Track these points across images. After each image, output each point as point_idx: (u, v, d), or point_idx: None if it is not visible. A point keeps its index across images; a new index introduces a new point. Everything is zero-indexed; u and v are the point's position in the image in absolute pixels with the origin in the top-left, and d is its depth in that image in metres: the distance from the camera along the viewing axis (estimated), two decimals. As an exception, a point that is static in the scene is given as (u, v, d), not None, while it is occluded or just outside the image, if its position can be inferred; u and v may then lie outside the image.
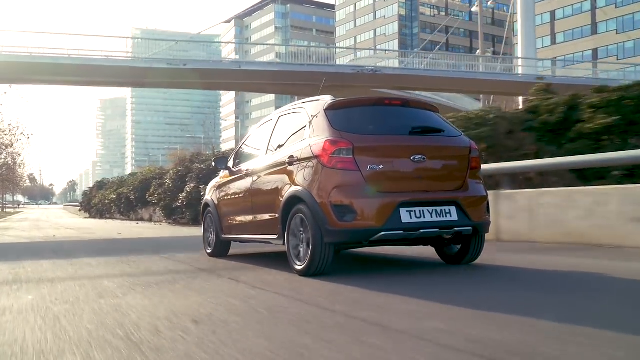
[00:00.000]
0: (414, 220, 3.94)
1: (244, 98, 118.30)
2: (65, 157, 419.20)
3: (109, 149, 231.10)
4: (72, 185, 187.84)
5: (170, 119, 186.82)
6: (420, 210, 3.98)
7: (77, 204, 62.02)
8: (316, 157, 4.09)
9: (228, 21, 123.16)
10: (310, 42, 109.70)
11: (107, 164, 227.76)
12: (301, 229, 4.20)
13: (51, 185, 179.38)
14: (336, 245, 4.09)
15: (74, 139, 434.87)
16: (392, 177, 4.06)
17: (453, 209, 4.10)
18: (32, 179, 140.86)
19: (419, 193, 4.08)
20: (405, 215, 3.92)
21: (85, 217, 34.13)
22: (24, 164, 40.08)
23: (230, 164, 5.88)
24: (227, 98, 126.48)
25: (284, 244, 4.47)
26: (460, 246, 4.67)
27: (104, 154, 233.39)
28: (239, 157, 5.82)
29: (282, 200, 4.39)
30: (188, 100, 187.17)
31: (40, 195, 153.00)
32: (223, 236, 5.86)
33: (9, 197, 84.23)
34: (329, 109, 4.33)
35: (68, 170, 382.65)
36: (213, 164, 6.26)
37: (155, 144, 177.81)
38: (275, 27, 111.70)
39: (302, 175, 4.21)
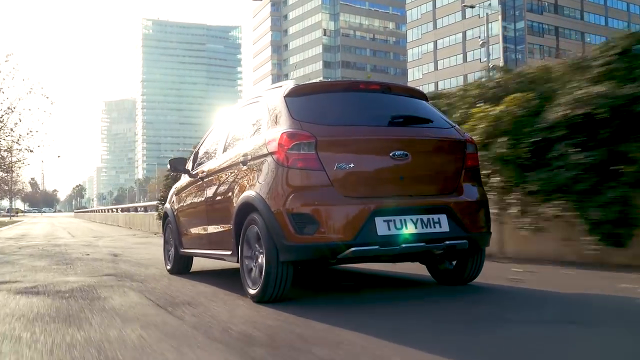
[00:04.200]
0: (393, 232, 3.22)
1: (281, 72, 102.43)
2: (67, 163, 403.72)
3: (114, 153, 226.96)
4: (79, 191, 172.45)
5: (184, 118, 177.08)
6: (401, 220, 3.24)
7: (91, 210, 44.89)
8: (271, 154, 3.38)
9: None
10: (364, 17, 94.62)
11: (112, 170, 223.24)
12: (256, 244, 3.47)
13: (55, 191, 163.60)
14: (297, 264, 3.40)
15: (76, 144, 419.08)
16: (366, 178, 3.33)
17: (443, 218, 3.36)
18: (33, 183, 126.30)
19: (400, 198, 3.35)
20: (381, 226, 3.20)
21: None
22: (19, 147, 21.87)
23: (190, 165, 5.08)
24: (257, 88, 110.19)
25: (238, 261, 3.71)
26: (455, 262, 3.90)
27: (110, 158, 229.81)
28: (199, 157, 5.02)
29: (234, 208, 3.68)
30: (202, 97, 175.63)
31: (43, 201, 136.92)
32: (182, 250, 5.09)
33: (5, 203, 68.72)
34: (290, 96, 3.59)
35: (70, 177, 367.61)
36: (168, 166, 5.38)
37: (169, 145, 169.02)
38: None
39: (255, 178, 3.51)
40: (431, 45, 71.85)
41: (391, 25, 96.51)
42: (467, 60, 67.89)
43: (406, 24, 78.76)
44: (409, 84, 64.49)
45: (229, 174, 3.97)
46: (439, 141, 3.59)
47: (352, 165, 3.26)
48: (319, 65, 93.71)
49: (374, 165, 3.37)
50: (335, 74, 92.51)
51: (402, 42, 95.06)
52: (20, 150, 20.73)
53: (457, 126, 3.84)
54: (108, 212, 29.80)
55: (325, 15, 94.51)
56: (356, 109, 3.63)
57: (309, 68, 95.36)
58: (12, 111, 19.72)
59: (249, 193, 3.47)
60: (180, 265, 5.25)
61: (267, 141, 3.45)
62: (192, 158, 5.13)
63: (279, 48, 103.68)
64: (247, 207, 3.49)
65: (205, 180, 4.49)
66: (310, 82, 3.87)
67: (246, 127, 4.07)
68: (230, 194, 3.87)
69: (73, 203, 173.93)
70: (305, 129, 3.31)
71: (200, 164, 4.87)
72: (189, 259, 5.28)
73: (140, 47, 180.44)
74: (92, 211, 46.24)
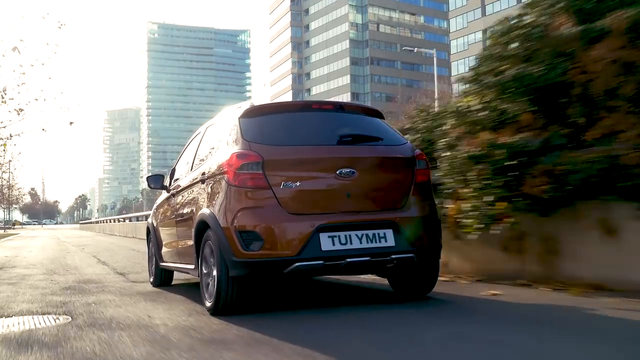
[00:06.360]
0: (338, 247, 3.38)
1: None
2: (68, 174, 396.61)
3: (117, 164, 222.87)
4: (83, 201, 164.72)
5: (191, 125, 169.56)
6: (346, 235, 3.42)
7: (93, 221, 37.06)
8: (223, 173, 3.58)
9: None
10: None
11: (115, 181, 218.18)
12: (211, 259, 3.68)
13: (56, 202, 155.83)
14: (247, 279, 3.50)
15: (77, 155, 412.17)
16: (312, 195, 3.50)
17: (389, 233, 3.51)
18: (33, 194, 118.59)
19: (346, 214, 3.50)
20: (326, 242, 3.37)
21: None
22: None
23: (167, 181, 5.32)
24: (278, 89, 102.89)
25: (199, 275, 3.92)
26: (411, 275, 4.05)
27: (112, 169, 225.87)
28: (175, 173, 5.25)
29: (194, 225, 3.98)
30: (210, 103, 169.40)
31: (43, 213, 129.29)
32: (161, 264, 5.38)
33: (2, 214, 61.09)
34: (244, 117, 3.80)
35: (71, 189, 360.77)
36: (146, 182, 5.75)
37: (175, 154, 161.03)
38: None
39: (210, 196, 3.76)
40: (479, 35, 64.41)
41: (422, 19, 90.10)
42: (525, 49, 60.50)
43: (448, 15, 71.77)
44: (452, 78, 57.78)
45: (193, 191, 4.18)
46: (386, 159, 3.72)
47: (298, 183, 3.40)
48: (346, 61, 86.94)
49: (321, 183, 3.48)
50: (364, 71, 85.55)
51: (427, 36, 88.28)
52: (5, 101, 12.40)
53: (409, 143, 3.94)
54: (138, 220, 21.19)
55: (352, 8, 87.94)
56: (307, 129, 3.74)
57: (333, 65, 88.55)
58: None
59: (204, 211, 3.70)
60: (162, 278, 5.45)
61: (221, 161, 3.64)
62: (169, 174, 5.25)
63: (299, 45, 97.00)
64: (203, 224, 3.70)
65: (176, 196, 4.74)
66: (267, 103, 4.10)
67: (209, 146, 4.21)
68: (192, 210, 4.10)
69: (75, 214, 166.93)
70: (254, 149, 3.46)
71: (176, 179, 5.03)
72: (169, 272, 5.42)
73: (145, 51, 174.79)
74: (103, 221, 38.19)
